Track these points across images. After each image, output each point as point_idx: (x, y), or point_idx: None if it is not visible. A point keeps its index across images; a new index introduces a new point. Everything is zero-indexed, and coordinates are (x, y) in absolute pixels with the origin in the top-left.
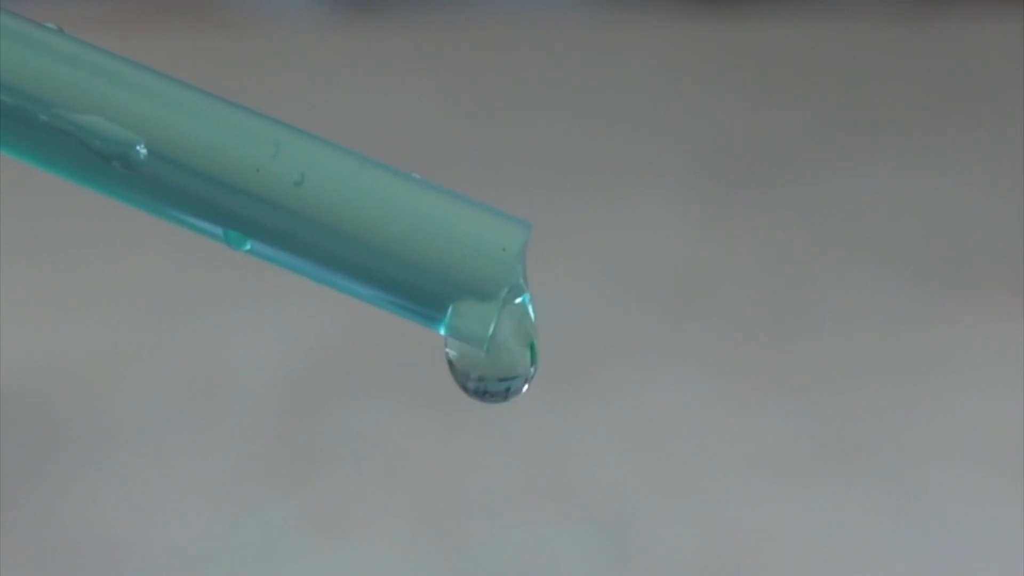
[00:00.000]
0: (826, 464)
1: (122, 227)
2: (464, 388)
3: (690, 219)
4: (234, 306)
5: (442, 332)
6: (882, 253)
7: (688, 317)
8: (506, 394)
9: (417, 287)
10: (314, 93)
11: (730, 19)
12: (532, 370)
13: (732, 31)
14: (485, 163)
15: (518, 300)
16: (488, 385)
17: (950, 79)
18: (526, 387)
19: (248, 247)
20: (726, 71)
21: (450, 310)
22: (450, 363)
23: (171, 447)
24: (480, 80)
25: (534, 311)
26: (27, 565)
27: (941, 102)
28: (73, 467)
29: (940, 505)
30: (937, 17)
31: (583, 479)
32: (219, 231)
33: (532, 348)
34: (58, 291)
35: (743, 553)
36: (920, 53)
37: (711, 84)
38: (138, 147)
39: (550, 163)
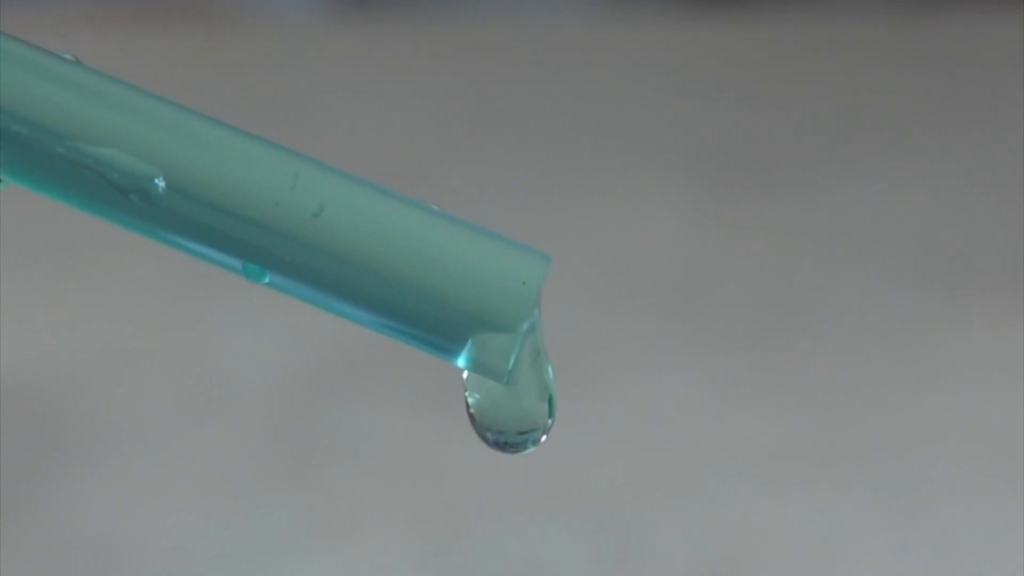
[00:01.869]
0: (826, 464)
1: (122, 228)
2: (484, 439)
3: (689, 219)
4: (234, 308)
5: (461, 365)
6: (882, 253)
7: (687, 317)
8: (524, 445)
9: (436, 320)
10: (314, 93)
11: (730, 19)
12: (550, 422)
13: (732, 31)
14: (484, 163)
15: (534, 336)
16: (507, 437)
17: (950, 79)
18: (544, 438)
19: (267, 280)
20: (726, 71)
21: (469, 343)
22: (470, 415)
23: (171, 447)
24: (480, 80)
25: (551, 369)
26: (27, 565)
27: (941, 102)
28: (73, 467)
29: (939, 505)
30: (937, 17)
31: (583, 479)
32: (238, 264)
33: (550, 401)
34: (58, 292)
35: (743, 553)
36: (920, 53)
37: (711, 84)
38: (156, 180)
39: (549, 163)
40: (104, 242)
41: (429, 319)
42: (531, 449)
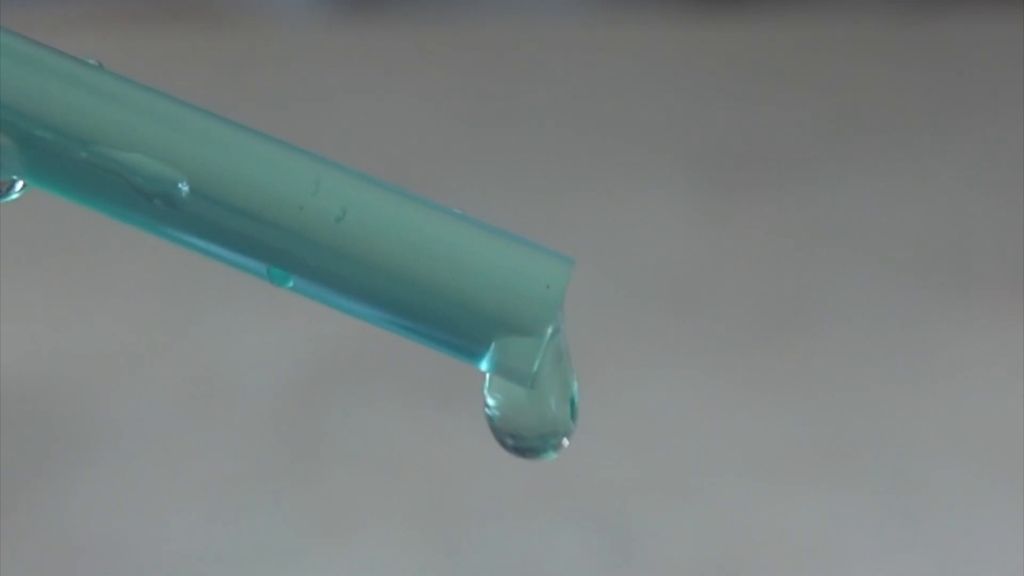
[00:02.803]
0: (826, 464)
1: (123, 228)
2: (503, 444)
3: (690, 219)
4: (235, 307)
5: (484, 369)
6: (882, 253)
7: (687, 317)
8: (545, 450)
9: (460, 324)
10: (314, 93)
11: (729, 19)
12: (572, 425)
13: (731, 31)
14: (484, 163)
15: (557, 339)
16: (528, 442)
17: (950, 79)
18: (566, 441)
19: (291, 284)
20: (725, 71)
21: (493, 347)
22: (489, 420)
23: (171, 447)
24: (480, 80)
25: (575, 372)
26: (27, 565)
27: (941, 102)
28: (73, 467)
29: (939, 505)
30: (937, 17)
31: (583, 479)
32: (262, 268)
33: (572, 404)
34: (58, 292)
35: (743, 553)
36: (920, 53)
37: (710, 85)
38: (180, 185)
39: (549, 163)
40: (104, 242)
41: (453, 323)
42: (552, 455)
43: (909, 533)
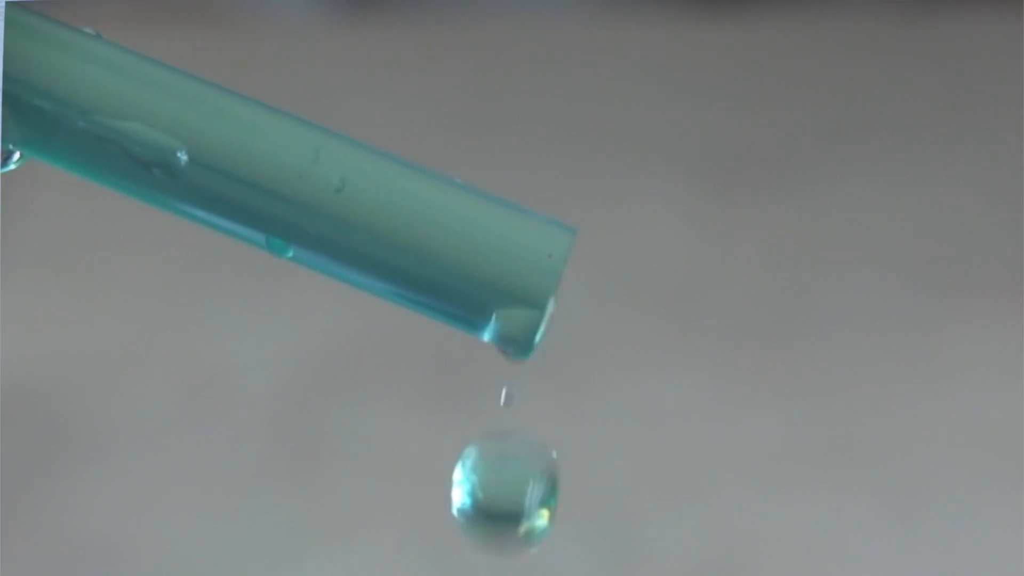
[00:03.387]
0: (826, 464)
1: (123, 228)
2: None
3: (690, 220)
4: (234, 307)
5: (487, 339)
6: (882, 253)
7: (687, 317)
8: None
9: (461, 293)
10: (314, 93)
11: (729, 19)
12: (539, 522)
13: (731, 31)
14: (484, 163)
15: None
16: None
17: (950, 79)
18: (524, 530)
19: (291, 254)
20: (725, 72)
21: (494, 317)
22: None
23: (171, 447)
24: (480, 80)
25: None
26: (27, 565)
27: (941, 102)
28: (73, 467)
29: (938, 504)
30: (937, 17)
31: (583, 479)
32: (261, 239)
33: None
34: (59, 292)
35: (743, 553)
36: (920, 53)
37: (711, 85)
38: (179, 154)
39: (549, 163)
40: (105, 243)
41: (454, 292)
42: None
43: (909, 533)
